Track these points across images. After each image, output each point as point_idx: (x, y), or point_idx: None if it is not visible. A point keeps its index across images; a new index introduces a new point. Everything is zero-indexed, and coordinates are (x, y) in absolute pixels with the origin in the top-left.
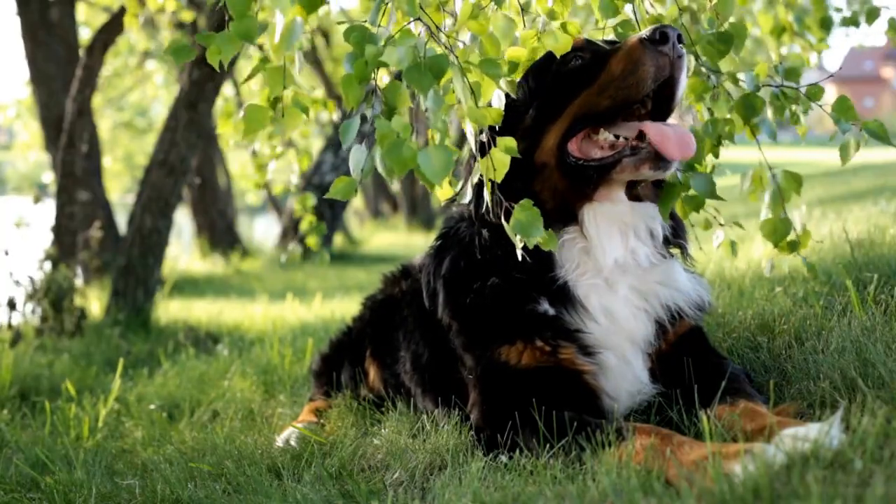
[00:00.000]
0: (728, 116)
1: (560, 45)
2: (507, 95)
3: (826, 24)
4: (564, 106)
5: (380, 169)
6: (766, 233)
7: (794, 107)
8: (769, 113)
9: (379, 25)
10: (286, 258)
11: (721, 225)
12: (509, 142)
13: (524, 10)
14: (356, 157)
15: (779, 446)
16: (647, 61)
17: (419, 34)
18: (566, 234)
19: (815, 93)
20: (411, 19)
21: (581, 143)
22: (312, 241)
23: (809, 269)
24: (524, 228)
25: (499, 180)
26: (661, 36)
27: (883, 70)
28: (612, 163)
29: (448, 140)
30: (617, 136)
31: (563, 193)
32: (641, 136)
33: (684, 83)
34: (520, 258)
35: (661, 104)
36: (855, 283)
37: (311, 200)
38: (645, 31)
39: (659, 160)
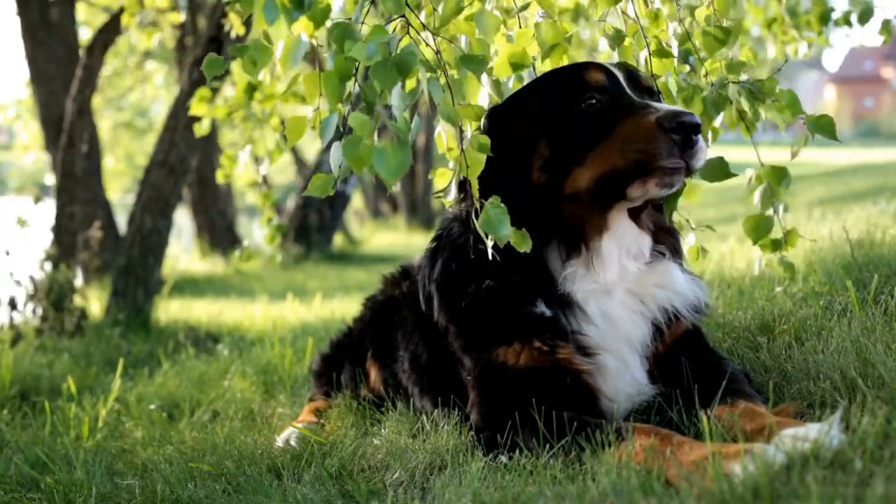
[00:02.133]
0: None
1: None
2: (517, 98)
3: (825, 19)
4: (585, 152)
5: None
6: (748, 229)
7: (756, 103)
8: (735, 108)
9: (363, 23)
10: (281, 258)
11: (693, 228)
12: (483, 139)
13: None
14: (336, 154)
15: (779, 446)
16: (662, 148)
17: (395, 30)
18: (569, 266)
19: (769, 85)
20: (396, 17)
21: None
22: (270, 237)
23: (786, 269)
24: (491, 225)
25: (472, 177)
26: (678, 126)
27: (883, 70)
28: (622, 181)
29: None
30: None
31: (584, 222)
32: None
33: (701, 164)
34: (490, 257)
35: None
36: (855, 283)
37: (273, 197)
38: (665, 114)
39: (664, 175)
